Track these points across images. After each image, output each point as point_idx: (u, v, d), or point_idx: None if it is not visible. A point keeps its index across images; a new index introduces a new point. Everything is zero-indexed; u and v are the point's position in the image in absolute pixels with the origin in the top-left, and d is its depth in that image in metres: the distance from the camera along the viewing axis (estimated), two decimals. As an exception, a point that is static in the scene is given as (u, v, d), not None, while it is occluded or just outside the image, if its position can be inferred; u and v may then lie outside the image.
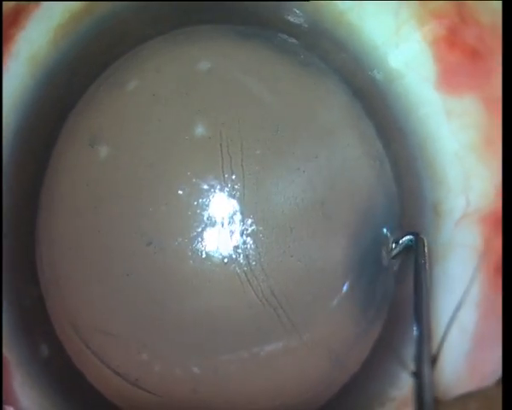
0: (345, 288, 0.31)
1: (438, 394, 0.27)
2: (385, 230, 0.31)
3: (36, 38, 0.29)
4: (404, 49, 0.28)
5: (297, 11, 0.30)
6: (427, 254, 0.28)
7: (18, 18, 0.29)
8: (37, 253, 0.32)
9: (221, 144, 0.31)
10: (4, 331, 0.29)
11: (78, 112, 0.32)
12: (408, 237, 0.30)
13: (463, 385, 0.27)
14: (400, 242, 0.30)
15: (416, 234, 0.29)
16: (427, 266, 0.28)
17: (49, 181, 0.32)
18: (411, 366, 0.28)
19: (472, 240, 0.27)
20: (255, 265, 0.30)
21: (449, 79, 0.27)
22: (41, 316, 0.32)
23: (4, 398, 0.28)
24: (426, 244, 0.28)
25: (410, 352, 0.28)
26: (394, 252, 0.31)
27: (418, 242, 0.28)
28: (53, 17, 0.29)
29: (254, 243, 0.31)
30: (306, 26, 0.30)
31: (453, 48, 0.27)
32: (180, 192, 0.31)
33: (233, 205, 0.31)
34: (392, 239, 0.31)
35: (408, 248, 0.30)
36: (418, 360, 0.25)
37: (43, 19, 0.29)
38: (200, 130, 0.31)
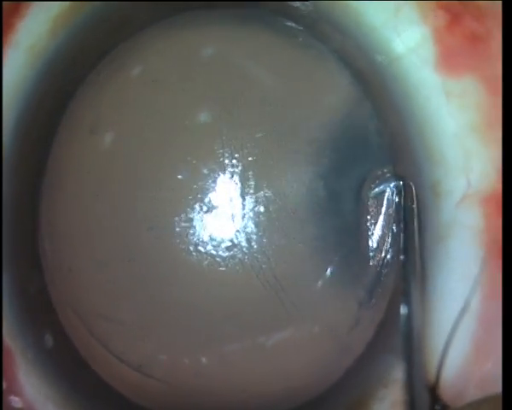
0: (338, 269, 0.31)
1: (447, 400, 0.27)
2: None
3: (35, 28, 0.29)
4: (403, 31, 0.28)
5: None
6: (415, 199, 0.28)
7: (18, 7, 0.29)
8: (39, 241, 0.32)
9: (221, 129, 0.31)
10: (8, 320, 0.29)
11: (79, 100, 0.32)
12: (395, 183, 0.30)
13: (470, 369, 0.27)
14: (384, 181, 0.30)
15: (404, 179, 0.29)
16: (415, 211, 0.28)
17: (51, 170, 0.32)
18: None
19: (474, 221, 0.27)
20: (257, 248, 0.30)
21: (448, 61, 0.27)
22: (45, 304, 0.32)
23: (9, 387, 0.29)
24: (414, 189, 0.28)
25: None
26: (376, 190, 0.31)
27: (406, 186, 0.29)
28: (52, 7, 0.29)
29: (256, 226, 0.31)
30: (305, 9, 0.30)
31: (453, 29, 0.27)
32: (180, 177, 0.31)
33: (234, 189, 0.31)
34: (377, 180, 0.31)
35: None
36: (407, 325, 0.25)
37: (42, 8, 0.29)
38: (200, 114, 0.31)
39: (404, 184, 0.30)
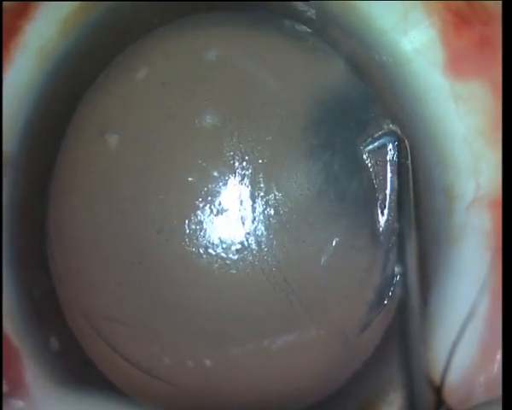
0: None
1: (451, 403, 0.26)
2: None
3: (44, 30, 0.29)
4: (412, 35, 0.28)
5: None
6: (409, 155, 0.28)
7: (26, 9, 0.29)
8: (47, 243, 0.32)
9: (231, 131, 0.31)
10: (16, 322, 0.29)
11: (87, 102, 0.32)
12: (388, 138, 0.30)
13: (475, 372, 0.27)
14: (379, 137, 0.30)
15: (397, 135, 0.29)
16: (409, 168, 0.28)
17: (60, 172, 0.32)
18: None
19: (483, 224, 0.27)
20: (267, 251, 0.30)
21: (457, 64, 0.27)
22: (52, 306, 0.32)
23: (15, 388, 0.28)
24: (408, 146, 0.28)
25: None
26: (371, 146, 0.30)
27: (400, 143, 0.28)
28: (61, 8, 0.29)
29: (266, 229, 0.31)
30: (314, 12, 0.30)
31: (461, 33, 0.27)
32: (190, 179, 0.31)
33: (244, 191, 0.31)
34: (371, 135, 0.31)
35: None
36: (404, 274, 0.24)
37: (51, 10, 0.29)
38: (210, 117, 0.31)
39: (398, 139, 0.29)
